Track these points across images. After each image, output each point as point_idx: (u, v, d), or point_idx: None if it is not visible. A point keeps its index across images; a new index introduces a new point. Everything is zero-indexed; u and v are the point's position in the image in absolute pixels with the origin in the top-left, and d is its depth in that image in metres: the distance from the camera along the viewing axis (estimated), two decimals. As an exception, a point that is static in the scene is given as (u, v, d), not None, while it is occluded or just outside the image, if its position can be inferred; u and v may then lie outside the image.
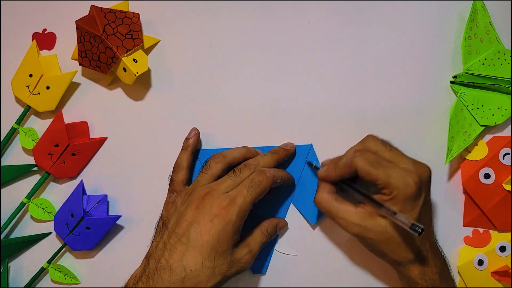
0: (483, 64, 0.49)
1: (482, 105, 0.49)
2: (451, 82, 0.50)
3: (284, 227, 0.50)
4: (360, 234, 0.43)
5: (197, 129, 0.50)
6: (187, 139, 0.50)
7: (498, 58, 0.49)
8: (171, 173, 0.49)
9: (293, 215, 0.51)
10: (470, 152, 0.50)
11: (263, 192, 0.44)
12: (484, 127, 0.49)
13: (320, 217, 0.51)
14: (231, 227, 0.42)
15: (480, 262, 0.50)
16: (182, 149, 0.50)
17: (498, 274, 0.50)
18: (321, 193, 0.45)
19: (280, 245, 0.51)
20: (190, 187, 0.46)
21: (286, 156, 0.49)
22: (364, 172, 0.42)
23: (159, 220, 0.47)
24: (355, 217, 0.43)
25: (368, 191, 0.44)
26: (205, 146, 0.51)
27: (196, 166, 0.51)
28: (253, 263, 0.49)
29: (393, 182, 0.41)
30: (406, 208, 0.41)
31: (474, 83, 0.49)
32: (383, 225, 0.42)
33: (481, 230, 0.51)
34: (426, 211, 0.43)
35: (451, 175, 0.51)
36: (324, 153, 0.50)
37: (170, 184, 0.48)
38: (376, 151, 0.43)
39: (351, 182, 0.45)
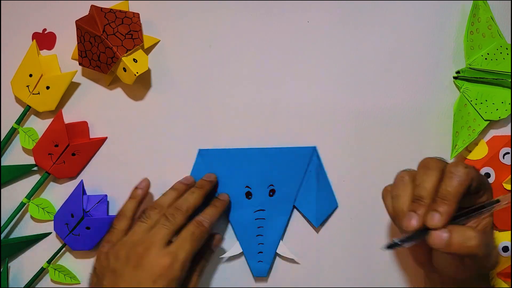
0: (486, 59, 0.49)
1: (486, 100, 0.49)
2: (454, 78, 0.50)
3: (218, 244, 0.49)
4: (486, 252, 0.35)
5: (148, 180, 0.49)
6: (136, 188, 0.49)
7: (501, 53, 0.49)
8: (113, 220, 0.47)
9: (297, 218, 0.51)
10: (470, 151, 0.50)
11: (203, 241, 0.44)
12: (488, 122, 0.49)
13: (323, 219, 0.50)
14: (176, 283, 0.41)
15: (484, 264, 0.50)
16: (130, 197, 0.48)
17: (503, 275, 0.50)
18: (448, 237, 0.35)
19: (282, 248, 0.51)
20: (125, 238, 0.44)
21: (211, 188, 0.49)
22: (476, 177, 0.36)
23: (92, 272, 0.44)
24: (482, 238, 0.35)
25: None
26: (205, 146, 0.51)
27: (198, 164, 0.51)
28: (255, 266, 0.50)
29: (487, 185, 0.37)
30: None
31: (477, 78, 0.49)
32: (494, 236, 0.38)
33: (481, 231, 0.51)
34: None
35: (451, 175, 0.51)
36: (326, 153, 0.50)
37: (109, 232, 0.46)
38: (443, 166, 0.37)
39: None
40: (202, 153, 0.51)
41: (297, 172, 0.50)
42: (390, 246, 0.36)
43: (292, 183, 0.50)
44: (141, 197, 0.48)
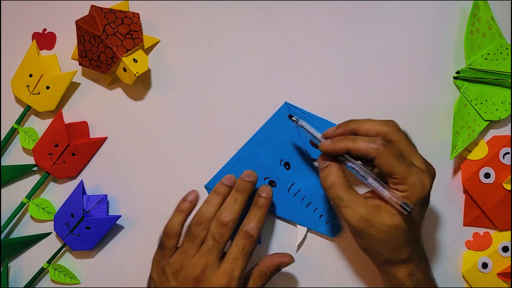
0: (486, 59, 0.49)
1: (486, 100, 0.49)
2: (454, 78, 0.50)
3: (288, 264, 0.46)
4: (364, 229, 0.41)
5: (196, 193, 0.47)
6: (184, 201, 0.47)
7: (501, 53, 0.49)
8: (162, 236, 0.46)
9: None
10: (470, 151, 0.50)
11: (254, 249, 0.44)
12: (488, 122, 0.49)
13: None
14: None
15: (484, 265, 0.50)
16: (176, 210, 0.46)
17: (503, 275, 0.50)
18: (335, 176, 0.41)
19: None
20: (179, 257, 0.44)
21: (253, 187, 0.46)
22: (385, 162, 0.40)
23: (150, 282, 0.46)
24: (363, 210, 0.40)
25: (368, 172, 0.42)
26: (205, 145, 0.51)
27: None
28: (327, 229, 0.50)
29: (411, 180, 0.40)
30: (415, 209, 0.40)
31: (477, 78, 0.49)
32: (389, 224, 0.40)
33: (481, 232, 0.51)
34: (425, 213, 0.43)
35: (451, 174, 0.51)
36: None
37: (160, 247, 0.46)
38: (395, 140, 0.42)
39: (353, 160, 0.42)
40: None
41: (290, 132, 0.50)
42: (291, 116, 0.45)
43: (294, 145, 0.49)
44: (189, 211, 0.46)
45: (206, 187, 0.51)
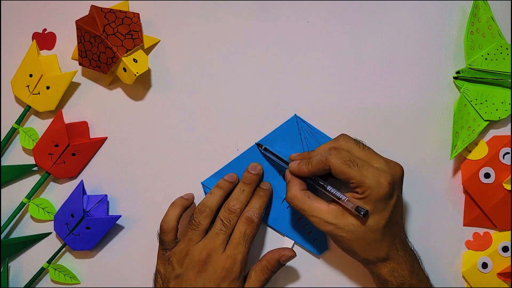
0: (486, 59, 0.49)
1: (486, 100, 0.49)
2: (454, 78, 0.50)
3: (289, 258, 0.47)
4: (332, 232, 0.43)
5: (193, 194, 0.50)
6: (181, 197, 0.49)
7: (501, 53, 0.49)
8: (159, 232, 0.47)
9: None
10: (470, 151, 0.50)
11: (255, 235, 0.46)
12: (488, 122, 0.49)
13: None
14: (238, 283, 0.45)
15: (484, 265, 0.50)
16: (171, 205, 0.48)
17: (503, 275, 0.50)
18: (294, 190, 0.45)
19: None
20: (183, 246, 0.46)
21: (259, 179, 0.49)
22: (338, 170, 0.42)
23: (156, 275, 0.47)
24: (327, 215, 0.43)
25: (331, 185, 0.44)
26: (204, 146, 0.51)
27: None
28: (314, 246, 0.50)
29: (366, 182, 0.41)
30: (378, 208, 0.42)
31: (477, 78, 0.49)
32: (355, 224, 0.42)
33: (481, 232, 0.51)
34: (398, 210, 0.44)
35: (451, 174, 0.51)
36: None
37: (160, 243, 0.47)
38: (349, 150, 0.44)
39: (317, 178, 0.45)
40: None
41: (295, 144, 0.50)
42: (260, 145, 0.49)
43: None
44: (184, 206, 0.48)
45: (203, 184, 0.51)
